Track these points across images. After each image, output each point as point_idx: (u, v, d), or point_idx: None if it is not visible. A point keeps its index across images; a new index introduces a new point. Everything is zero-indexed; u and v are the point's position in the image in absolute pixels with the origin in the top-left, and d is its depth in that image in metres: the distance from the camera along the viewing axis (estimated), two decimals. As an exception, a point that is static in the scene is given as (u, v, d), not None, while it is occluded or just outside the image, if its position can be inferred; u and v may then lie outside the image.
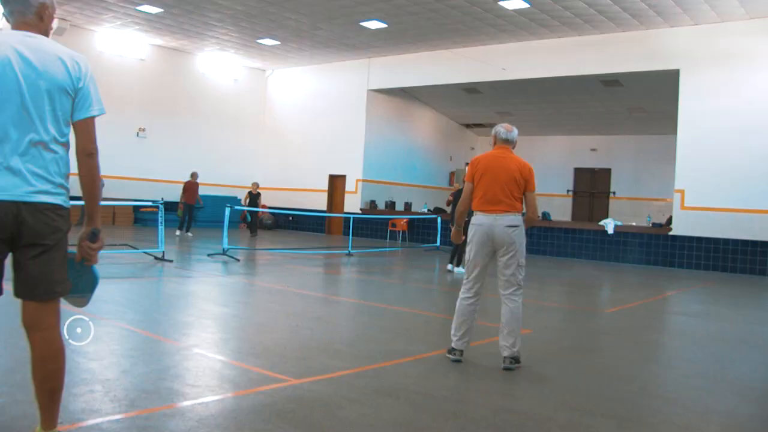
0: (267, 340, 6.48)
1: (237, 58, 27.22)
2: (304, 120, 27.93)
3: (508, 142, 5.99)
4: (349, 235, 19.31)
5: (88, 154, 3.17)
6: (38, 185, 3.06)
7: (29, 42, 3.09)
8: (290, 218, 27.71)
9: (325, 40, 23.30)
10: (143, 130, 25.18)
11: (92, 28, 23.11)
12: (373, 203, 25.75)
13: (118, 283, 10.24)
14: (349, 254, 17.25)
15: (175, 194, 24.72)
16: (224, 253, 14.32)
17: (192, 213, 21.14)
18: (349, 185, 26.17)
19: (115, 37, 23.96)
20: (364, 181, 25.79)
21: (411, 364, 5.77)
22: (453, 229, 6.33)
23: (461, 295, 5.92)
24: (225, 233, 14.72)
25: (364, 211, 25.43)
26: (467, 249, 5.92)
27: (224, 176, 26.87)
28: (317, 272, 13.73)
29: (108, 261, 12.56)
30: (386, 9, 19.25)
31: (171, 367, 5.25)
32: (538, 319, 8.72)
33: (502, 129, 6.01)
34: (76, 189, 3.31)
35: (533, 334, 7.59)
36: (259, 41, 24.01)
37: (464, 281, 5.95)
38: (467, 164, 5.92)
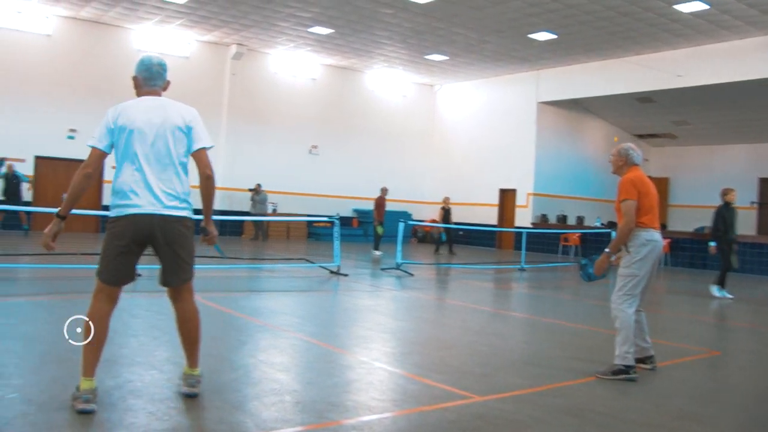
0: (447, 355, 6.45)
1: (405, 75, 27.66)
2: (472, 134, 27.95)
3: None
4: (521, 249, 19.04)
5: (207, 177, 4.31)
6: (171, 202, 4.21)
7: (160, 102, 4.36)
8: (460, 233, 27.70)
9: (493, 53, 23.23)
10: (315, 147, 26.06)
11: (267, 51, 24.24)
12: (544, 217, 25.32)
13: (296, 296, 10.60)
14: (522, 269, 17.00)
15: (346, 209, 25.41)
16: (398, 267, 14.47)
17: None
18: (520, 199, 25.87)
19: (288, 58, 25.05)
20: (534, 195, 25.42)
21: (595, 383, 5.57)
22: (610, 253, 6.22)
23: (629, 311, 5.83)
24: (399, 248, 14.89)
25: (535, 225, 25.06)
26: (638, 266, 5.90)
27: (393, 191, 27.16)
28: (491, 287, 13.60)
29: (285, 274, 13.04)
30: (555, 20, 18.94)
31: (355, 380, 5.33)
32: (726, 341, 8.24)
33: (635, 154, 6.30)
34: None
35: (722, 357, 7.18)
36: (427, 57, 24.29)
37: (629, 298, 5.89)
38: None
